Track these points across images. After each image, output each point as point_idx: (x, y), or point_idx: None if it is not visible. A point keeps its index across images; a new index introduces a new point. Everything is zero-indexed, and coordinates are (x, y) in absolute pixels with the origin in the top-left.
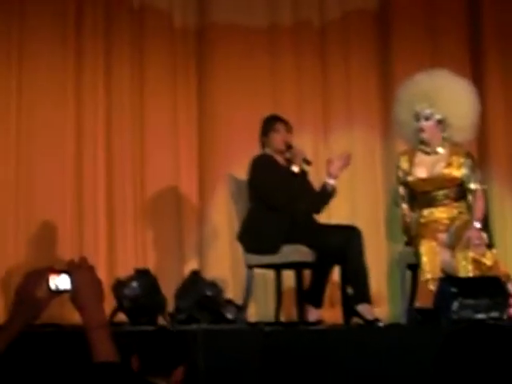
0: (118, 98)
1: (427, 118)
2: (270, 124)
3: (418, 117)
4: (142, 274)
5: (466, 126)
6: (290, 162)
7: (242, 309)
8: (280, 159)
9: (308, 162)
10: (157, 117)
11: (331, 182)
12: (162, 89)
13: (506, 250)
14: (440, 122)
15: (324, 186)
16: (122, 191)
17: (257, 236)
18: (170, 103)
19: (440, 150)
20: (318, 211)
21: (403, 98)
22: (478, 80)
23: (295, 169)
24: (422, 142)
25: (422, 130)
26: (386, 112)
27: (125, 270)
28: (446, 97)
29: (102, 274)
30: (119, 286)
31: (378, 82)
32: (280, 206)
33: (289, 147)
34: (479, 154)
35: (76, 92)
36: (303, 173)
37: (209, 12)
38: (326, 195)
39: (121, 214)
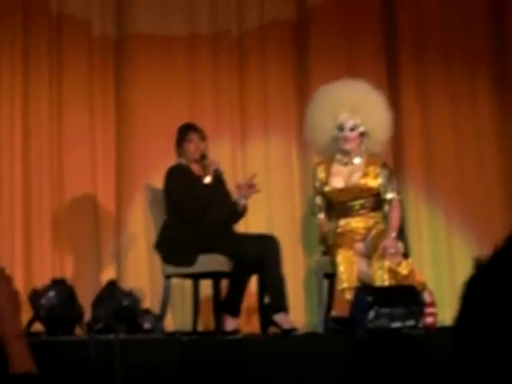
0: (35, 105)
1: (352, 129)
2: (183, 134)
3: (341, 127)
4: (59, 284)
5: (384, 139)
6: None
7: (159, 318)
8: (196, 169)
9: (219, 173)
10: (74, 125)
11: (242, 202)
12: (79, 97)
13: (421, 259)
14: (362, 134)
15: (235, 204)
16: (39, 200)
17: (173, 246)
18: (88, 111)
19: (357, 160)
20: (230, 223)
21: (323, 105)
22: (393, 89)
23: (207, 179)
24: (341, 152)
25: (346, 140)
26: (303, 121)
27: (42, 280)
28: (369, 108)
29: (19, 283)
30: (36, 295)
31: (295, 91)
32: (191, 216)
33: (203, 157)
34: (395, 164)
35: None
36: (218, 182)
37: (128, 21)
38: (237, 213)
39: (37, 223)
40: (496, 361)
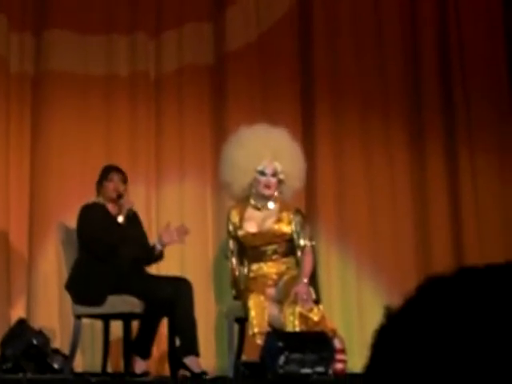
0: None
1: (273, 175)
2: (105, 173)
3: (263, 171)
4: None
5: (297, 187)
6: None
7: (68, 359)
8: (111, 208)
9: (132, 213)
10: None
11: (159, 247)
12: None
13: (332, 306)
14: (280, 181)
15: (152, 248)
16: None
17: (83, 286)
18: (3, 148)
19: (271, 205)
20: (143, 264)
21: (248, 145)
22: (308, 135)
23: (120, 219)
24: (257, 197)
25: (267, 186)
26: (217, 165)
27: None
28: (289, 157)
29: None
30: None
31: (211, 135)
32: (102, 254)
33: (119, 196)
34: (307, 210)
35: None
36: (133, 222)
37: (46, 59)
38: (152, 256)
39: None
40: None
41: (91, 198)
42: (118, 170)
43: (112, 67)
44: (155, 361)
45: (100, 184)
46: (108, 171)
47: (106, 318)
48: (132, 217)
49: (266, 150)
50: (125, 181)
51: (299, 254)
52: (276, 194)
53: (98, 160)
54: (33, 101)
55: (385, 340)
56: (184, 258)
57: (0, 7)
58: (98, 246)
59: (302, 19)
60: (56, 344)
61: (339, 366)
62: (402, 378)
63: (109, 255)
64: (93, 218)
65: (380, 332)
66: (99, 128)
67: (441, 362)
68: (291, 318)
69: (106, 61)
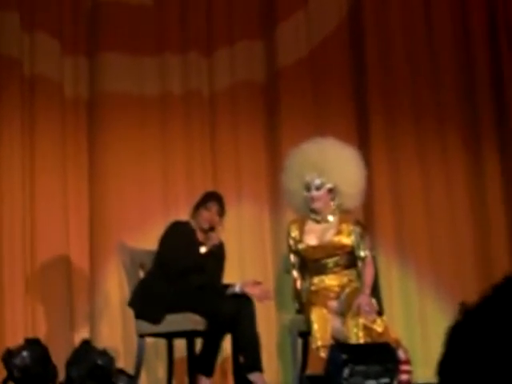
0: (7, 167)
1: (318, 188)
2: (205, 200)
3: (308, 187)
4: (33, 344)
5: (356, 193)
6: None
7: (133, 378)
8: (200, 235)
9: (215, 250)
10: (47, 188)
11: (237, 290)
12: (52, 159)
13: (393, 318)
14: (331, 190)
15: (226, 286)
16: (11, 260)
17: (145, 302)
18: (60, 172)
19: (330, 217)
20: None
21: (292, 167)
22: (363, 146)
23: (202, 249)
24: (313, 211)
25: (313, 200)
26: (274, 183)
27: (14, 341)
28: (336, 165)
29: None
30: (9, 355)
31: (265, 151)
32: (171, 275)
33: (210, 229)
34: (365, 221)
35: None
36: (216, 259)
37: (100, 82)
38: (223, 292)
39: (10, 284)
40: None
41: (150, 217)
42: (219, 200)
43: (165, 86)
44: (219, 378)
45: (196, 208)
46: (208, 199)
47: (169, 337)
48: (216, 251)
49: (307, 166)
50: (222, 214)
51: (360, 265)
52: (332, 205)
53: (154, 180)
54: (88, 124)
55: (460, 336)
56: (244, 275)
57: (52, 32)
58: (172, 264)
59: (353, 31)
60: (120, 364)
61: (404, 376)
62: (477, 374)
63: (179, 278)
64: (178, 236)
65: (455, 328)
66: (155, 147)
67: None
68: (355, 330)
69: (159, 81)
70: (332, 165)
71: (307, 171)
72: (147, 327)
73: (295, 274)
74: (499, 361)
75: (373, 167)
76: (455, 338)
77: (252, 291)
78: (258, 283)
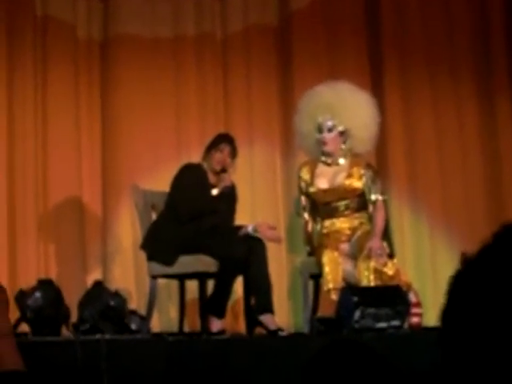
0: (19, 107)
1: (330, 130)
2: (217, 141)
3: (320, 128)
4: (45, 285)
5: (367, 138)
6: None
7: (145, 319)
8: (212, 177)
9: (227, 192)
10: (60, 128)
11: (250, 230)
12: (65, 100)
13: (405, 261)
14: (342, 133)
15: (238, 227)
16: (24, 201)
17: (159, 244)
18: (74, 114)
19: (341, 161)
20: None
21: (305, 108)
22: (377, 92)
23: (214, 191)
24: (324, 153)
25: (324, 142)
26: (286, 126)
27: (27, 281)
28: (348, 108)
29: (4, 284)
30: (22, 296)
31: (278, 94)
32: (183, 218)
33: (222, 171)
34: (378, 167)
35: None
36: (228, 200)
37: (113, 23)
38: (235, 234)
39: (22, 225)
40: (482, 356)
41: (162, 159)
42: (231, 142)
43: (179, 29)
44: (231, 319)
45: (208, 150)
46: (220, 140)
47: (181, 278)
48: (228, 193)
49: (320, 108)
50: (234, 156)
51: (371, 208)
52: (343, 147)
53: (167, 121)
54: (101, 65)
55: (462, 285)
56: (255, 217)
57: None
58: (184, 207)
59: None
60: (132, 305)
61: (415, 319)
62: (479, 322)
63: (191, 220)
64: (190, 179)
65: (457, 277)
66: (168, 89)
67: None
68: (366, 273)
69: (172, 23)
70: (345, 107)
71: (320, 112)
72: (159, 268)
73: (306, 216)
74: (499, 308)
75: (386, 113)
76: (456, 288)
77: (264, 233)
78: (272, 227)
